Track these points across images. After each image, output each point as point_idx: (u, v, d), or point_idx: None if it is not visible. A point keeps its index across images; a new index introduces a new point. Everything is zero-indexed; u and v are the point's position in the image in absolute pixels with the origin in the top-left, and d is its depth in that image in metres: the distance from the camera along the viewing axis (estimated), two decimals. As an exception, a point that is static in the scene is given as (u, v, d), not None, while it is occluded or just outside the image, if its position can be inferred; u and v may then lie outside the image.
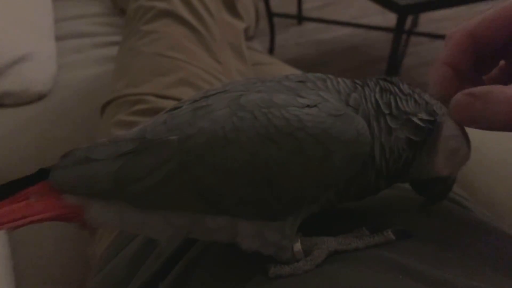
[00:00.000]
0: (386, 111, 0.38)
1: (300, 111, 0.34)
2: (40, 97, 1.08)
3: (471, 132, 0.39)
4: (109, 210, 0.38)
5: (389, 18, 2.19)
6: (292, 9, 2.73)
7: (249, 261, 0.39)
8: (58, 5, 1.34)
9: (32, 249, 0.81)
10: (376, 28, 2.47)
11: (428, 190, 0.42)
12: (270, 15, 2.38)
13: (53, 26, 1.24)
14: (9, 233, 0.75)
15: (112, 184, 0.36)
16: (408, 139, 0.38)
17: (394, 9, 1.64)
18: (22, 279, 0.74)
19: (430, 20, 2.59)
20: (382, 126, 0.37)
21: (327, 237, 0.38)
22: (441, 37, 2.45)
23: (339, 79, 0.40)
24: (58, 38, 1.24)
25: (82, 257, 0.77)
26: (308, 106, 0.35)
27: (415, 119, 0.38)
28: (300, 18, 2.74)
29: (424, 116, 0.38)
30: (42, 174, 0.38)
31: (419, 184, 0.43)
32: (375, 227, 0.39)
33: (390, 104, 0.38)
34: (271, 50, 2.41)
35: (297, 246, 0.38)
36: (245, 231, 0.37)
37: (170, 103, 0.74)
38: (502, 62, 0.43)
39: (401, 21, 1.68)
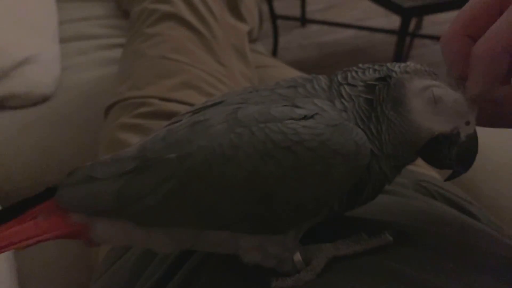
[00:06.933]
0: (344, 82, 0.39)
1: (297, 124, 0.34)
2: (44, 99, 1.08)
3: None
4: (114, 228, 0.39)
5: (393, 21, 2.18)
6: (296, 12, 2.73)
7: (251, 274, 0.39)
8: (63, 7, 1.35)
9: (35, 252, 0.81)
10: (380, 30, 2.46)
11: (446, 158, 0.37)
12: (274, 17, 2.38)
13: (57, 28, 1.25)
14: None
15: (114, 203, 0.37)
16: (366, 99, 0.37)
17: (398, 12, 1.64)
18: (26, 282, 0.74)
19: (434, 22, 2.58)
20: (364, 110, 0.37)
21: (324, 244, 0.38)
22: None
23: (322, 78, 0.40)
24: (62, 40, 1.24)
25: (85, 260, 0.77)
26: (305, 117, 0.35)
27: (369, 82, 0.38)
28: (303, 20, 2.74)
29: (376, 75, 0.38)
30: (49, 192, 0.39)
31: (433, 157, 0.38)
32: (373, 231, 0.39)
33: (347, 76, 0.39)
34: (274, 53, 2.41)
35: (297, 256, 0.37)
36: (246, 245, 0.37)
37: (174, 106, 0.74)
38: None
39: (405, 23, 1.67)
